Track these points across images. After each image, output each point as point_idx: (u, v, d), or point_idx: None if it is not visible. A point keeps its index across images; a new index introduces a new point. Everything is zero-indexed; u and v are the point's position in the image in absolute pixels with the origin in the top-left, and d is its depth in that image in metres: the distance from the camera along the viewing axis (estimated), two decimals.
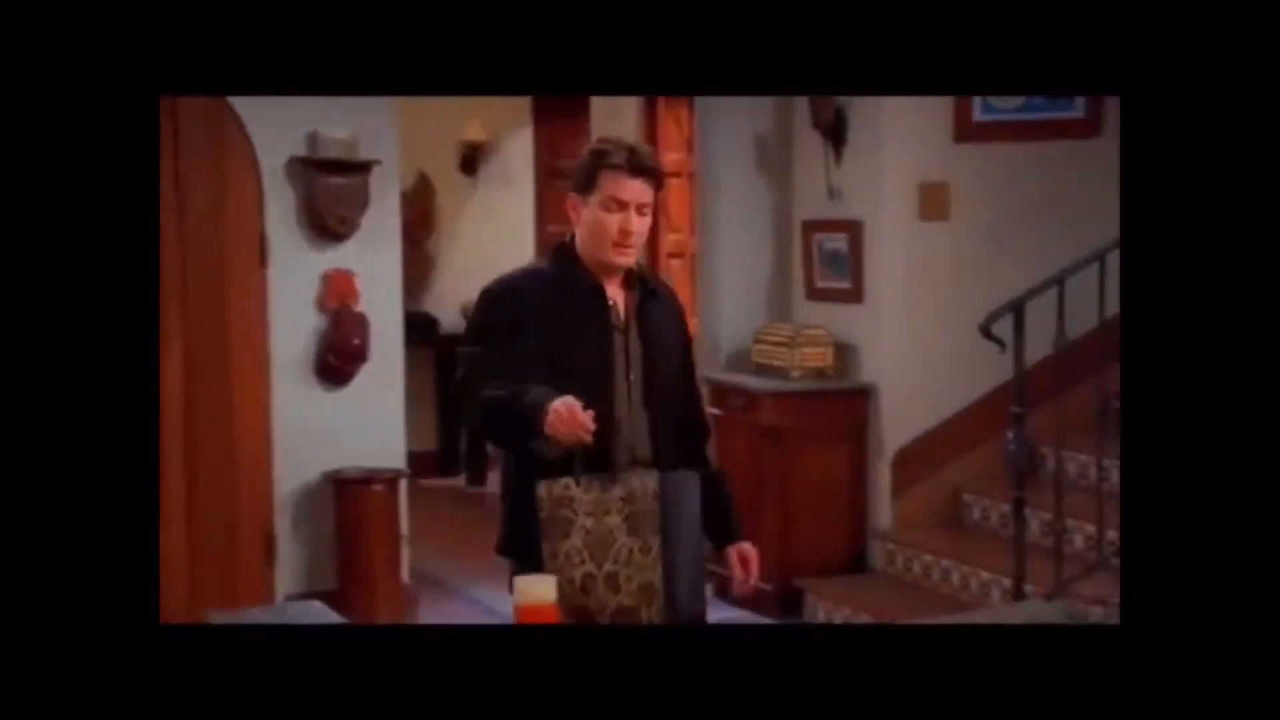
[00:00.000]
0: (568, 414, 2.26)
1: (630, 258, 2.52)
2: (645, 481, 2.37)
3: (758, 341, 5.18)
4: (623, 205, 2.48)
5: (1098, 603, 3.90)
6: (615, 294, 2.54)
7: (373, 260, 4.95)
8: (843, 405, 4.98)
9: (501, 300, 2.51)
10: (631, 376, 2.50)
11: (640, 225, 2.50)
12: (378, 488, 4.83)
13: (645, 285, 2.57)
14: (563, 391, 2.36)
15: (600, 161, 2.51)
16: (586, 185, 2.52)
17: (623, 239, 2.49)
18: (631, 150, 2.52)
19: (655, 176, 2.52)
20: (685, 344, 2.66)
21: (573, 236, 2.57)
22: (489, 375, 2.41)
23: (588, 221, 2.52)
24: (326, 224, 4.84)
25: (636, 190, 2.49)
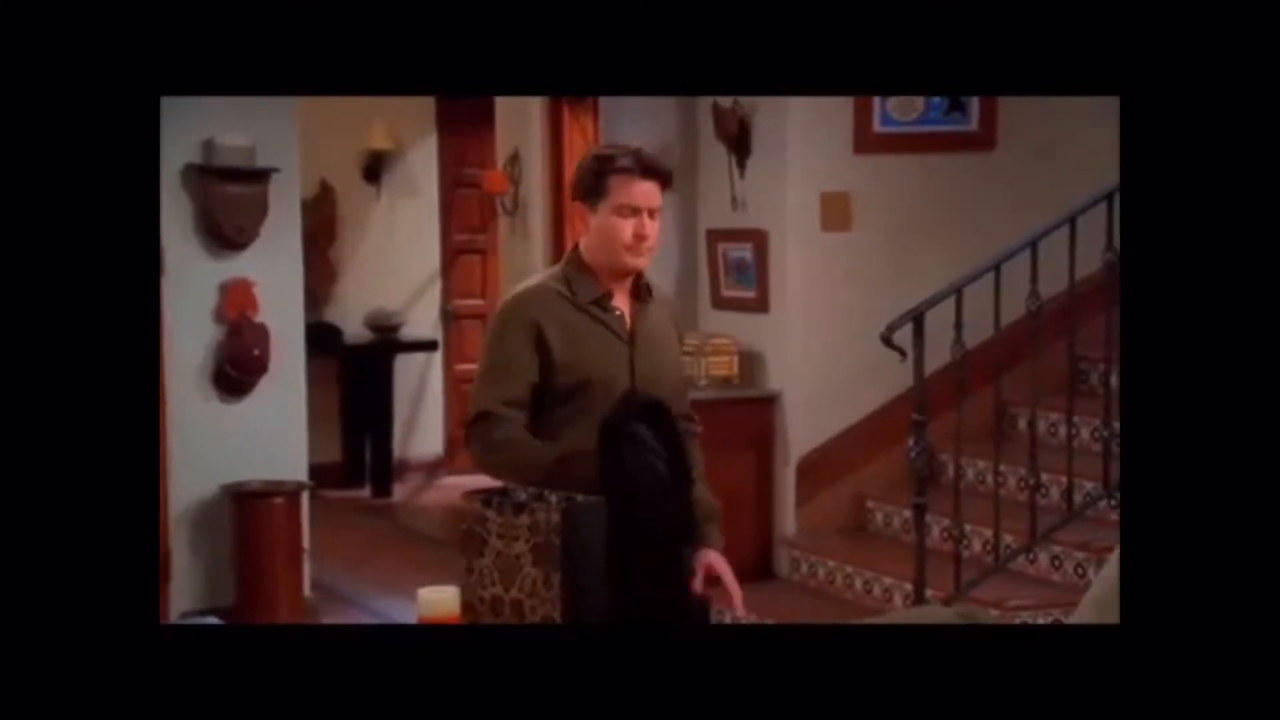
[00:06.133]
0: None
1: (645, 260, 2.50)
2: (550, 515, 2.28)
3: None
4: (635, 210, 2.45)
5: (994, 606, 3.98)
6: (621, 302, 2.51)
7: (273, 270, 4.86)
8: (748, 414, 5.01)
9: (515, 316, 2.48)
10: (639, 389, 2.49)
11: (653, 228, 2.48)
12: (279, 501, 4.75)
13: (648, 291, 2.54)
14: (575, 408, 2.40)
15: (608, 167, 2.47)
16: (594, 191, 2.48)
17: (637, 244, 2.46)
18: (638, 153, 2.49)
19: (665, 177, 2.49)
20: (679, 347, 2.67)
21: (577, 245, 2.53)
22: (506, 398, 2.42)
23: (599, 228, 2.48)
24: (224, 233, 4.75)
25: (647, 193, 2.46)
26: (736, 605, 2.59)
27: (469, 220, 7.61)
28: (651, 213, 2.46)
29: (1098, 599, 2.06)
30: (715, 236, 5.22)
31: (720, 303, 5.24)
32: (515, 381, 2.45)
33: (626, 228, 2.45)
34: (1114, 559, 2.09)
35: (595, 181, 2.47)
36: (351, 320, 7.40)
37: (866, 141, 4.92)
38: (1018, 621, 3.96)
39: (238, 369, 4.81)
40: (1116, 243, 4.13)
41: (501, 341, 2.49)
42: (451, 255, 7.68)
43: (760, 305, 5.06)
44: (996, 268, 4.10)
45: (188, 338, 4.75)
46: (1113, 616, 1.92)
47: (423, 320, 7.64)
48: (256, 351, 4.82)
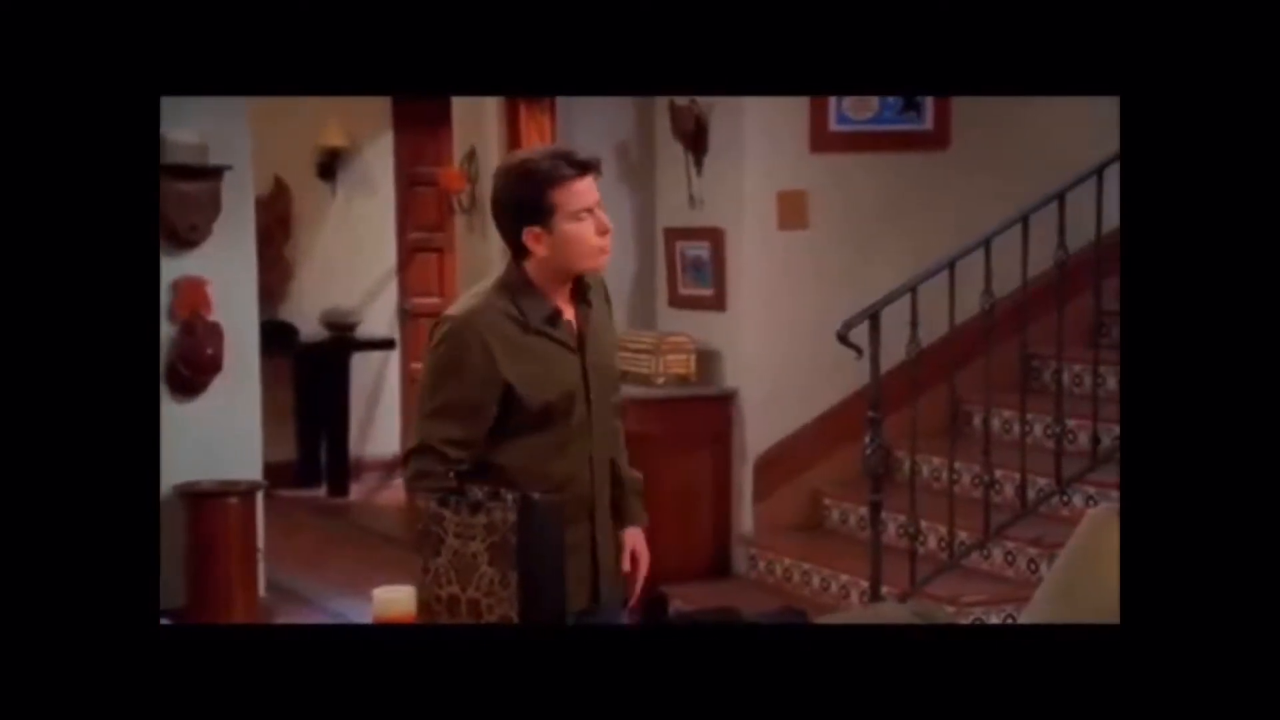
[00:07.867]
0: None
1: (608, 256, 2.47)
2: (507, 514, 2.27)
3: (621, 349, 5.16)
4: (590, 210, 2.40)
5: (948, 602, 4.02)
6: (567, 311, 2.48)
7: (226, 268, 4.82)
8: (706, 411, 5.02)
9: (463, 335, 2.41)
10: (592, 396, 2.47)
11: (608, 219, 2.44)
12: (233, 500, 4.71)
13: (587, 292, 2.50)
14: (535, 427, 2.39)
15: (545, 181, 2.39)
16: (541, 210, 2.40)
17: (604, 239, 2.42)
18: (563, 155, 2.42)
19: (596, 168, 2.44)
20: (613, 323, 2.62)
21: (519, 264, 2.46)
22: (457, 420, 2.39)
23: (562, 241, 2.40)
24: (176, 231, 4.70)
25: (591, 188, 2.42)
26: (632, 591, 2.59)
27: (425, 218, 7.57)
28: (600, 205, 2.44)
29: (1051, 593, 2.09)
30: (672, 235, 5.23)
31: (677, 301, 5.25)
32: (465, 424, 2.41)
33: (588, 230, 2.40)
34: (1064, 554, 2.11)
35: (538, 199, 2.40)
36: (307, 319, 7.35)
37: (823, 140, 4.94)
38: (972, 618, 4.00)
39: (190, 368, 4.77)
40: (1068, 241, 4.19)
41: (453, 378, 2.42)
42: (408, 253, 7.64)
43: (717, 303, 5.07)
44: (951, 266, 4.13)
45: None
46: (1065, 612, 1.95)
47: (379, 319, 7.60)
48: (210, 350, 4.77)
